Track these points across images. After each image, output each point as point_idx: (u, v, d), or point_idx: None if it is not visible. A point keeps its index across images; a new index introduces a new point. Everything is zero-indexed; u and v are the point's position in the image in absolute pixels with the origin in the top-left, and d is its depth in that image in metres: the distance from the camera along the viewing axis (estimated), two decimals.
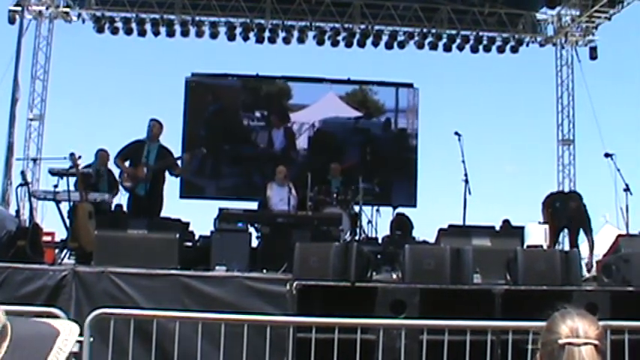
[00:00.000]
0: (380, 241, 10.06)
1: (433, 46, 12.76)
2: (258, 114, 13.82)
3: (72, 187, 7.91)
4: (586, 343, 1.72)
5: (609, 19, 12.27)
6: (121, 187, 8.90)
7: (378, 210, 10.44)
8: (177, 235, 7.02)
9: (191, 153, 9.71)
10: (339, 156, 12.78)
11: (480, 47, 12.83)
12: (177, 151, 9.72)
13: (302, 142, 13.73)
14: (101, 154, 9.23)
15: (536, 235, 11.44)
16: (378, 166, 12.78)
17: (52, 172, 8.34)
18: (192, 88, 13.29)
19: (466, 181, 8.65)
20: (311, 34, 12.58)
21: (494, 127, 20.47)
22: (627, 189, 8.30)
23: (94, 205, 8.01)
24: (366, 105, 13.85)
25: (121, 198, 9.15)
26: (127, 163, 8.85)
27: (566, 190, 13.02)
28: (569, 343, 1.72)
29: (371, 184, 9.89)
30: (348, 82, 13.27)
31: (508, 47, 12.96)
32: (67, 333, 1.07)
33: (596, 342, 1.73)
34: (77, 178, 8.05)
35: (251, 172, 13.24)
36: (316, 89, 13.66)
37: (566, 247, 10.82)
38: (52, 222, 8.78)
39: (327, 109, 13.80)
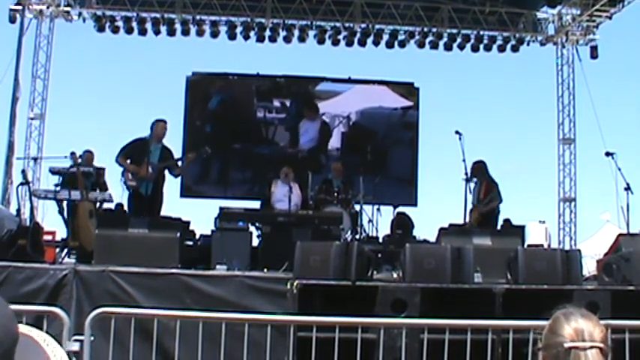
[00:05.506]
0: (381, 240, 10.05)
1: (434, 46, 12.75)
2: (277, 103, 11.55)
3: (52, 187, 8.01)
4: (592, 347, 1.71)
5: (610, 18, 12.27)
6: (123, 185, 8.80)
7: (378, 209, 10.42)
8: (178, 234, 7.03)
9: (194, 153, 9.57)
10: (379, 161, 10.86)
11: (481, 46, 12.83)
12: (178, 151, 9.69)
13: (334, 140, 11.48)
14: (74, 157, 8.99)
15: (537, 234, 11.48)
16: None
17: (53, 171, 8.35)
18: (194, 82, 12.45)
19: (467, 180, 8.67)
20: (312, 33, 12.56)
21: (494, 126, 20.46)
22: (628, 188, 8.29)
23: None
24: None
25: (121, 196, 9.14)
26: (127, 161, 8.79)
27: (567, 188, 13.04)
28: (575, 347, 1.71)
29: (371, 184, 9.89)
30: (349, 81, 13.17)
31: (509, 46, 12.96)
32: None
33: (602, 345, 1.72)
34: (61, 177, 8.09)
35: (266, 178, 10.58)
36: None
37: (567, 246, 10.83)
38: (53, 221, 8.79)
39: (367, 98, 11.54)
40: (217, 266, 7.08)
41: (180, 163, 9.14)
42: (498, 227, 9.25)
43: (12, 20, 10.95)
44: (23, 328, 1.07)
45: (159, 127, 8.83)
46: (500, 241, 7.29)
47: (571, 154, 13.19)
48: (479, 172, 9.28)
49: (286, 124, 11.73)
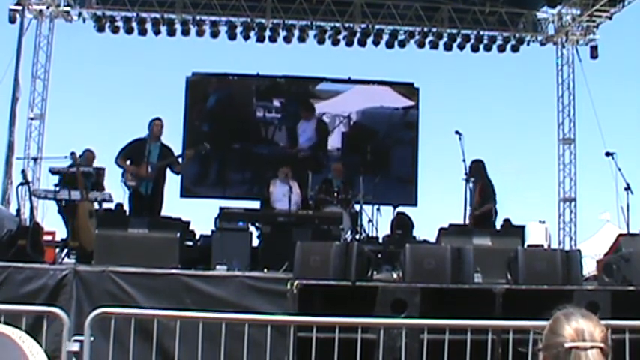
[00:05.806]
0: (381, 240, 10.04)
1: (434, 46, 12.75)
2: (276, 102, 11.49)
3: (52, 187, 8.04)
4: (592, 347, 1.70)
5: (610, 18, 12.27)
6: (124, 186, 8.80)
7: (378, 209, 10.41)
8: (178, 235, 7.03)
9: (194, 149, 9.55)
10: (380, 161, 10.75)
11: (481, 46, 12.83)
12: (178, 152, 9.69)
13: (334, 141, 11.43)
14: (74, 157, 8.90)
15: (537, 234, 11.47)
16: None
17: (53, 171, 8.35)
18: (194, 82, 12.39)
19: (467, 180, 8.68)
20: (312, 33, 12.56)
21: (494, 126, 20.47)
22: (628, 188, 8.30)
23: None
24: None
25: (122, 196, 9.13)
26: (127, 163, 8.80)
27: (567, 188, 13.04)
28: (576, 347, 1.71)
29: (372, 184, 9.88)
30: (349, 81, 13.12)
31: (509, 46, 12.96)
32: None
33: (602, 345, 1.71)
34: (60, 177, 8.10)
35: (265, 179, 10.37)
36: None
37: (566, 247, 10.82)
38: (53, 221, 8.79)
39: (368, 97, 11.50)
40: (217, 266, 7.08)
41: (180, 160, 9.14)
42: (498, 227, 9.23)
43: (12, 20, 10.95)
44: None
45: (155, 125, 8.86)
46: (500, 241, 7.29)
47: (571, 154, 13.19)
48: (476, 171, 9.25)
49: (285, 124, 11.70)
